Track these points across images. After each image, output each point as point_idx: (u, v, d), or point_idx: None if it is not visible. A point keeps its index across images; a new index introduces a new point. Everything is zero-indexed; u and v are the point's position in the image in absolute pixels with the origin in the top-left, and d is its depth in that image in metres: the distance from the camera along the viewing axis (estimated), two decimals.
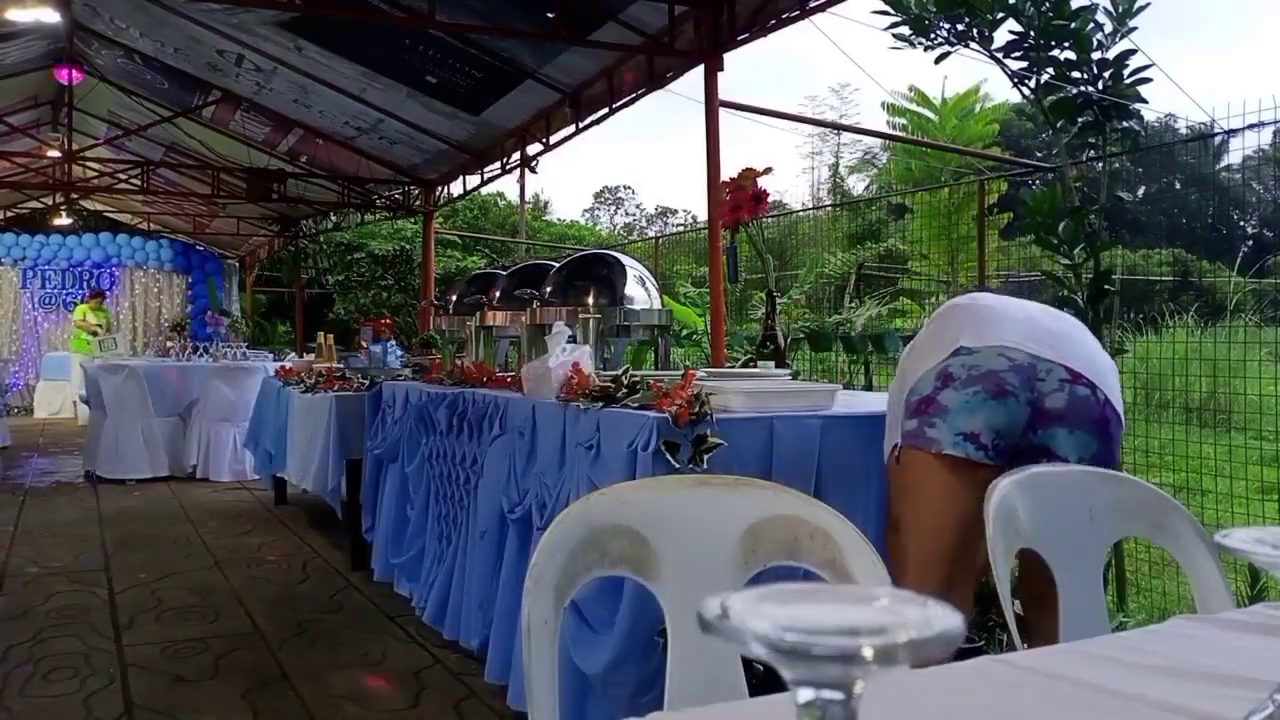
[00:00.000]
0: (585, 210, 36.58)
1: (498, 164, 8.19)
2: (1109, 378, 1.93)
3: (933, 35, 3.51)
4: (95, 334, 10.01)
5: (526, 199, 20.88)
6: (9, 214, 14.55)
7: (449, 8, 5.36)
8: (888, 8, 3.57)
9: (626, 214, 36.65)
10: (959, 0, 3.33)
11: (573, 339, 3.12)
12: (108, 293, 14.48)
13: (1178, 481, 3.98)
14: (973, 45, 3.44)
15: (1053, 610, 1.31)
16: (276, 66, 7.42)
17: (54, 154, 10.74)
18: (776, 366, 3.04)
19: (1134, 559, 3.73)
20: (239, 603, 4.09)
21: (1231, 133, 3.85)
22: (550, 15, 5.43)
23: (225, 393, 7.48)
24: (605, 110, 6.15)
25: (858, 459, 2.53)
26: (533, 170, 7.68)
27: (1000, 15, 3.32)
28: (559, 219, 24.95)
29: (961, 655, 1.05)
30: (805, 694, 0.41)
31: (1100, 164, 3.50)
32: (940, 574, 1.92)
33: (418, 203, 10.10)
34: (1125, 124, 3.32)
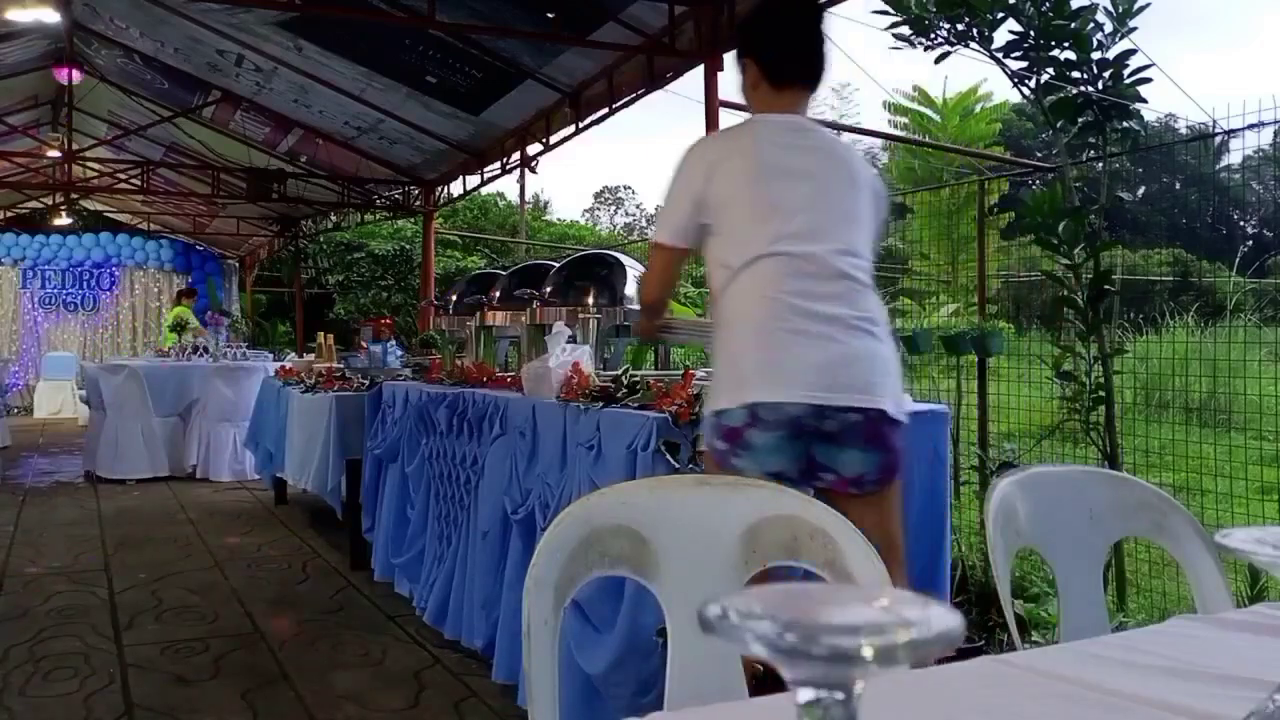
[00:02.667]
0: (585, 210, 36.56)
1: (498, 164, 8.19)
2: (882, 381, 2.04)
3: (933, 35, 3.51)
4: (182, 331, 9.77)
5: (526, 199, 20.90)
6: (9, 214, 14.55)
7: (449, 8, 5.35)
8: (888, 8, 3.57)
9: (626, 214, 36.65)
10: (959, 0, 3.33)
11: (573, 339, 3.12)
12: (107, 293, 14.50)
13: (1178, 481, 3.98)
14: (973, 45, 3.44)
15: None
16: (276, 66, 7.42)
17: (54, 154, 10.74)
18: None
19: (1134, 559, 3.72)
20: (239, 603, 4.09)
21: (1231, 133, 3.85)
22: (550, 15, 5.42)
23: (225, 393, 7.48)
24: (605, 110, 6.14)
25: None
26: (533, 170, 7.68)
27: (1000, 15, 3.32)
28: (559, 219, 24.94)
29: (961, 655, 1.05)
30: (805, 694, 0.41)
31: (1100, 164, 3.50)
32: None
33: (418, 203, 10.10)
34: (1125, 124, 3.32)
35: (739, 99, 2.28)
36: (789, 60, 2.16)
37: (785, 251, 2.03)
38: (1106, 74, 3.29)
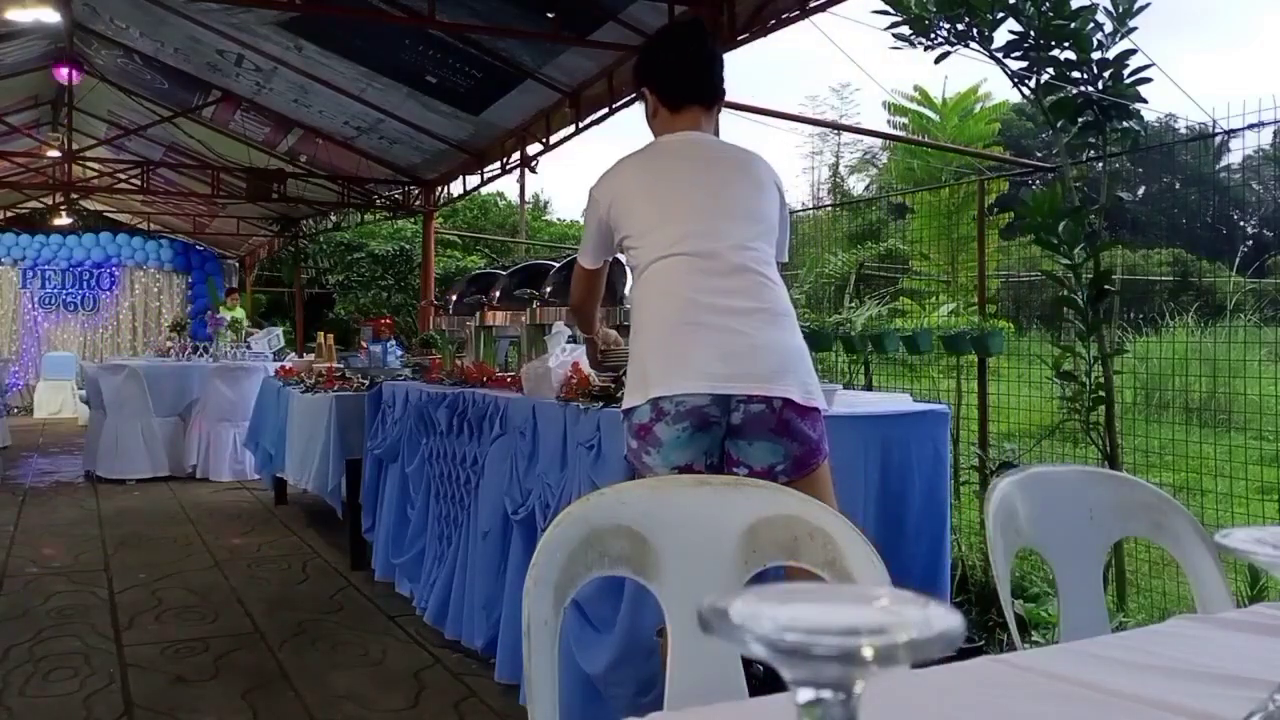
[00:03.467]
0: (585, 210, 36.51)
1: (498, 164, 8.19)
2: (786, 369, 2.05)
3: (933, 35, 3.51)
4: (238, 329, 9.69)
5: (526, 199, 20.88)
6: (9, 214, 14.55)
7: (449, 8, 5.35)
8: (888, 8, 3.57)
9: None
10: (959, 0, 3.33)
11: (573, 339, 3.12)
12: (107, 293, 14.50)
13: (1178, 481, 3.98)
14: (973, 45, 3.44)
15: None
16: (276, 66, 7.42)
17: (54, 154, 10.74)
18: None
19: (1134, 559, 3.72)
20: (239, 603, 4.09)
21: (1231, 133, 3.85)
22: (550, 15, 5.42)
23: (225, 393, 7.48)
24: (605, 110, 6.14)
25: (858, 459, 2.54)
26: (533, 170, 7.68)
27: (1000, 15, 3.33)
28: (559, 219, 24.92)
29: (961, 655, 1.05)
30: (805, 694, 0.41)
31: (1100, 164, 3.50)
32: None
33: (418, 203, 10.10)
34: (1125, 124, 3.32)
35: (647, 127, 2.36)
36: (681, 84, 2.27)
37: (683, 251, 2.10)
38: (1106, 74, 3.29)
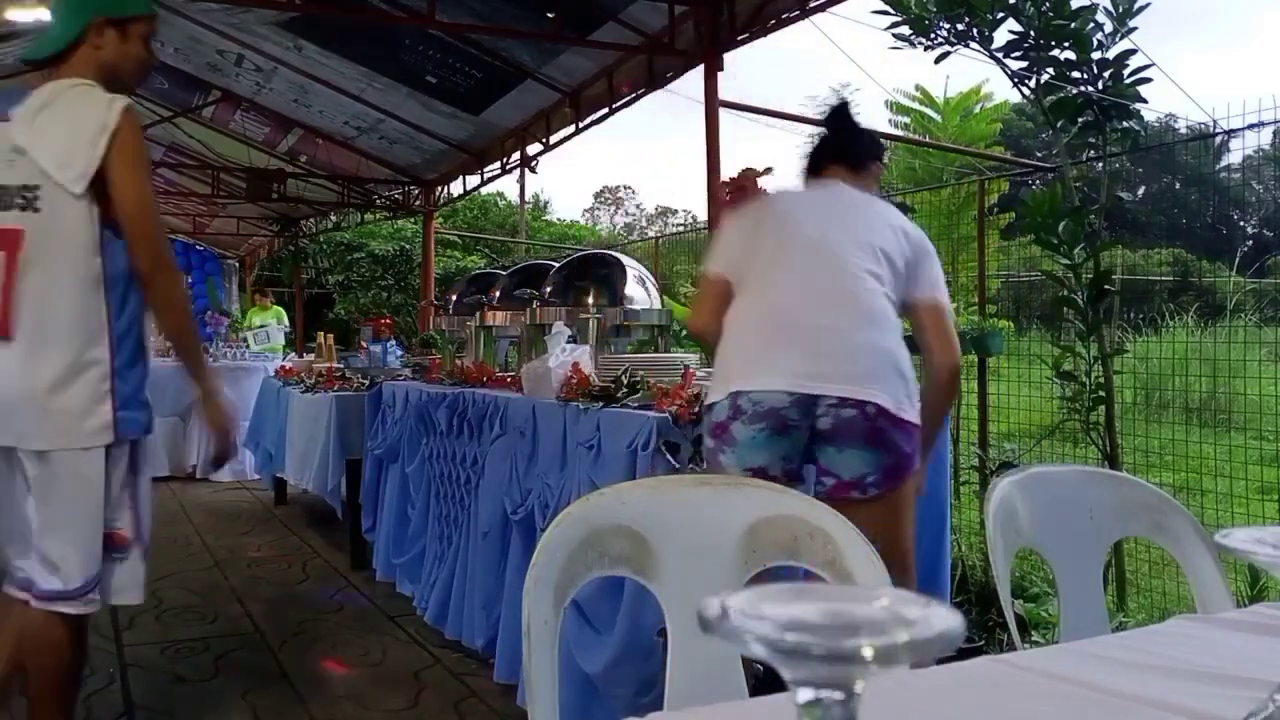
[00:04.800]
0: (585, 210, 36.56)
1: (498, 164, 8.19)
2: (880, 374, 2.00)
3: (933, 35, 3.51)
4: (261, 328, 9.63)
5: (526, 199, 20.90)
6: None
7: (449, 8, 5.36)
8: (888, 8, 3.57)
9: (626, 214, 36.66)
10: (959, 0, 3.33)
11: (573, 339, 3.12)
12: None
13: (1178, 481, 3.98)
14: (973, 45, 3.44)
15: None
16: (276, 66, 7.42)
17: None
18: None
19: (1134, 559, 3.72)
20: (239, 603, 4.09)
21: (1231, 133, 3.85)
22: (550, 15, 5.42)
23: (225, 393, 7.45)
24: (605, 110, 6.14)
25: None
26: (533, 170, 7.68)
27: (1000, 15, 3.33)
28: (559, 219, 24.94)
29: (962, 655, 1.05)
30: (805, 694, 0.41)
31: (1100, 164, 3.51)
32: None
33: (418, 203, 10.10)
34: (1125, 124, 3.32)
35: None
36: (824, 151, 2.39)
37: (788, 258, 2.10)
38: (1106, 74, 3.29)
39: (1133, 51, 3.28)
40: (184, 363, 2.53)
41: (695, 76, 4.98)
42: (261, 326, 9.67)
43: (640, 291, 3.74)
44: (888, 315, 2.07)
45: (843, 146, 2.37)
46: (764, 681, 1.42)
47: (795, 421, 1.98)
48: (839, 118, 2.44)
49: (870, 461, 1.99)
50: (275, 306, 10.66)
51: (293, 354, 8.41)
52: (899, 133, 8.22)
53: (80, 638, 2.18)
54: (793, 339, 2.02)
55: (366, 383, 4.89)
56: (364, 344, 5.85)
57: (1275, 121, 3.60)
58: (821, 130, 2.51)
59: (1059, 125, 3.38)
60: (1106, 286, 3.28)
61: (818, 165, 2.37)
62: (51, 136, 2.06)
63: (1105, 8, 3.26)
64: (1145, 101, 3.30)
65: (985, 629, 3.22)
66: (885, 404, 1.97)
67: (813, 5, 4.41)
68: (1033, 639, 3.15)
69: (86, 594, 2.10)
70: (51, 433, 2.04)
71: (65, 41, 2.21)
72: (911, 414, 2.02)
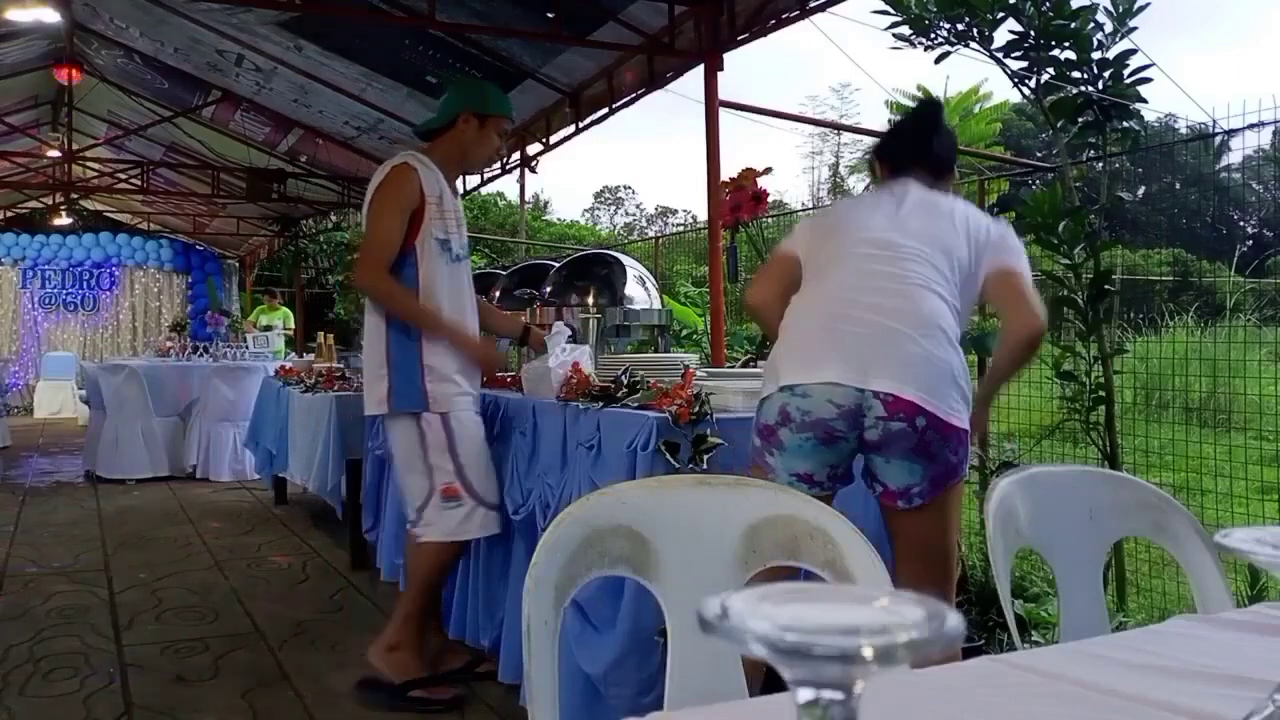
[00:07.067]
0: (585, 210, 36.60)
1: (498, 164, 8.19)
2: (929, 381, 1.97)
3: (933, 35, 3.51)
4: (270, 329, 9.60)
5: (526, 199, 20.86)
6: (9, 214, 14.54)
7: (449, 8, 5.35)
8: (888, 8, 3.57)
9: (626, 214, 36.69)
10: (959, 0, 3.32)
11: (573, 339, 3.12)
12: (107, 293, 14.50)
13: (1178, 481, 3.98)
14: (973, 45, 3.44)
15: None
16: (276, 66, 7.42)
17: (54, 154, 10.74)
18: None
19: (1134, 559, 3.72)
20: (239, 603, 4.09)
21: (1231, 133, 3.85)
22: (550, 15, 5.42)
23: (225, 393, 7.48)
24: (605, 110, 6.14)
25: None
26: (533, 170, 7.68)
27: (1000, 15, 3.32)
28: (559, 219, 24.95)
29: (962, 655, 1.05)
30: (805, 694, 0.41)
31: (1100, 164, 3.50)
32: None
33: None
34: (1125, 124, 3.32)
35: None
36: (902, 151, 2.36)
37: (851, 263, 2.11)
38: (1106, 74, 3.29)
39: (1133, 51, 3.28)
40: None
41: (695, 76, 4.99)
42: (269, 328, 9.66)
43: (640, 291, 3.74)
44: (945, 317, 2.05)
45: (929, 148, 2.34)
46: (764, 681, 1.42)
47: (842, 433, 1.99)
48: (931, 120, 2.42)
49: (917, 472, 1.99)
50: (283, 308, 10.67)
51: (292, 354, 8.40)
52: None
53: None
54: (845, 335, 2.01)
55: None
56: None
57: (1275, 121, 3.60)
58: (898, 124, 2.52)
59: (1059, 125, 3.38)
60: (1106, 286, 3.28)
61: (900, 163, 2.33)
62: None
63: (1105, 8, 3.26)
64: (1145, 101, 3.29)
65: (985, 629, 3.22)
66: (935, 410, 1.95)
67: (813, 5, 4.41)
68: (1033, 639, 3.15)
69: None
70: None
71: (441, 123, 3.03)
72: (961, 419, 2.00)
